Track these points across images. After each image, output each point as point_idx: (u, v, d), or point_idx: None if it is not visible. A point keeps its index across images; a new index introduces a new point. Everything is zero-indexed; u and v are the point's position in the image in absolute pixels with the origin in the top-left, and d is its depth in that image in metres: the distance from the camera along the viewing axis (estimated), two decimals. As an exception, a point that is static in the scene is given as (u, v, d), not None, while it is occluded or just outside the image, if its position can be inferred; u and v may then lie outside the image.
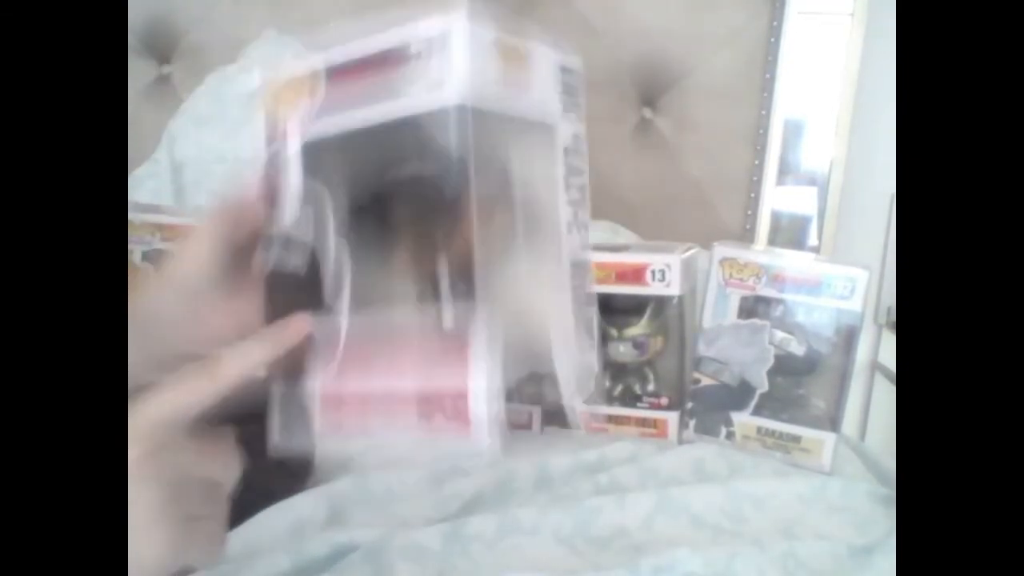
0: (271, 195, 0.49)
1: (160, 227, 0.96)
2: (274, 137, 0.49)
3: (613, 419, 0.89)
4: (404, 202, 0.46)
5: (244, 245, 0.52)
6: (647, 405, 0.88)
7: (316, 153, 0.48)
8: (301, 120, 0.48)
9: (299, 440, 0.50)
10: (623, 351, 0.89)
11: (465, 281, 0.42)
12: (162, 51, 1.52)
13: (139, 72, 1.51)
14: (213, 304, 0.52)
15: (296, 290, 0.49)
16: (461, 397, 0.43)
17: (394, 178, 0.46)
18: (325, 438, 0.49)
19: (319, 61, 0.47)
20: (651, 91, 1.35)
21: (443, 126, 0.42)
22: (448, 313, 0.43)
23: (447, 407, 0.43)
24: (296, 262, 0.49)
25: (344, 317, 0.47)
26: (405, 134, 0.44)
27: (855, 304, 0.80)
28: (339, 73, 0.46)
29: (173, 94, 1.49)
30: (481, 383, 0.43)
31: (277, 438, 0.51)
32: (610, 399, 0.90)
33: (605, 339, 0.89)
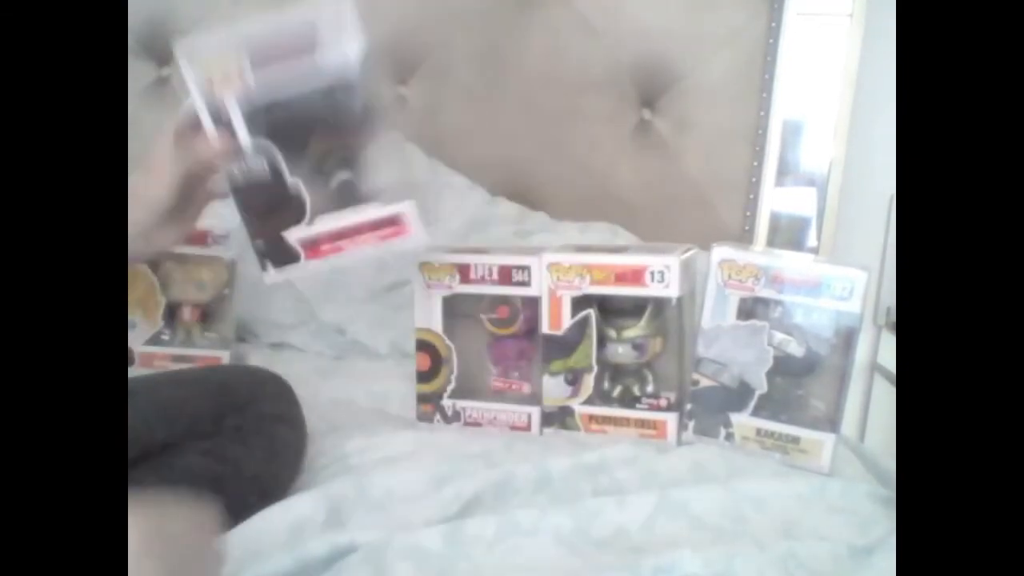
0: (217, 137, 0.71)
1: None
2: (211, 99, 0.70)
3: (612, 420, 0.89)
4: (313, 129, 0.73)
5: (195, 175, 0.70)
6: (646, 406, 0.88)
7: (251, 105, 0.71)
8: (233, 86, 0.70)
9: (289, 271, 0.77)
10: (622, 352, 0.89)
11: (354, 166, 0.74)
12: (161, 53, 1.51)
13: (139, 74, 1.51)
14: (166, 221, 0.68)
15: (263, 190, 0.73)
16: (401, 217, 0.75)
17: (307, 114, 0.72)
18: (309, 265, 0.76)
19: (239, 43, 0.70)
20: (651, 91, 1.35)
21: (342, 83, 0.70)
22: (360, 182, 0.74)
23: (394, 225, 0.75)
24: (258, 168, 0.73)
25: (303, 189, 0.74)
26: (316, 88, 0.71)
27: (854, 305, 0.80)
28: (259, 53, 0.70)
29: (172, 96, 1.49)
30: (411, 205, 0.74)
31: (272, 275, 0.77)
32: (609, 400, 0.90)
33: (604, 340, 0.89)
